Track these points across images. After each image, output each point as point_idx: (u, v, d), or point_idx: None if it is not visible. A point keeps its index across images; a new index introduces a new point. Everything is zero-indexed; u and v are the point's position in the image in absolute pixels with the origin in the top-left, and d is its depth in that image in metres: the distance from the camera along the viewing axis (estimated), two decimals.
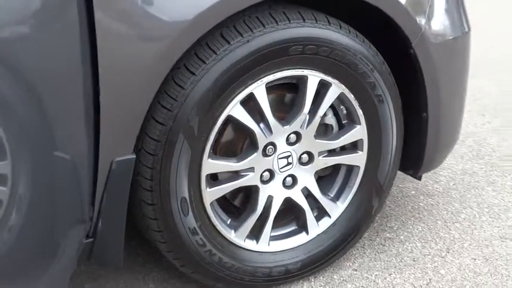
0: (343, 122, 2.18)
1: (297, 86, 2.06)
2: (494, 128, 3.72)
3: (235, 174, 2.04)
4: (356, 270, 2.34)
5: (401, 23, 2.07)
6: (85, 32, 1.60)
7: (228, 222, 2.10)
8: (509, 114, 3.92)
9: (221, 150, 2.02)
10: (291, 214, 2.23)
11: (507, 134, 3.62)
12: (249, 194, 2.12)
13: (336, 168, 2.24)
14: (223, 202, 2.12)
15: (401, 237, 2.56)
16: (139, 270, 2.31)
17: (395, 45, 2.17)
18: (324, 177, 2.25)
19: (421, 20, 2.11)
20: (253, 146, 2.02)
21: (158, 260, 2.31)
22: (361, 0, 1.97)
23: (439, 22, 2.19)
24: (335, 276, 2.30)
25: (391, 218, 2.69)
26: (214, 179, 2.04)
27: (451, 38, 2.24)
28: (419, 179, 2.51)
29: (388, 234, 2.57)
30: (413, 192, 2.93)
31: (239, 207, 2.16)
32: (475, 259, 2.42)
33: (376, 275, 2.32)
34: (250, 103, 1.95)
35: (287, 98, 2.11)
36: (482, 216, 2.73)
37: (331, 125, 2.17)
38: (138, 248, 2.40)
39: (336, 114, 2.17)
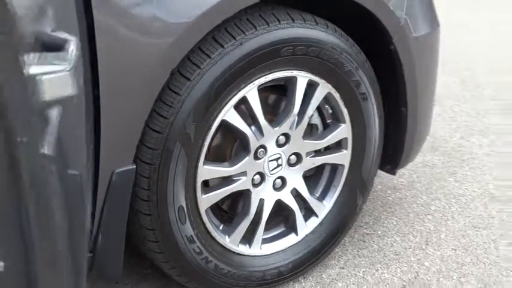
0: (328, 122, 2.17)
1: (282, 87, 2.04)
2: (443, 119, 3.79)
3: (228, 179, 2.01)
4: (343, 268, 2.35)
5: (384, 19, 2.08)
6: (84, 39, 1.54)
7: (221, 228, 2.07)
8: (452, 104, 4.01)
9: (211, 156, 1.99)
10: (279, 216, 2.21)
11: (455, 125, 3.70)
12: (238, 198, 2.09)
13: (320, 168, 2.24)
14: (213, 208, 2.09)
15: (379, 232, 2.58)
16: (126, 281, 2.24)
17: (373, 42, 2.19)
18: (309, 178, 2.24)
19: (401, 16, 2.13)
20: (244, 149, 1.99)
21: (144, 270, 2.26)
22: None
23: (415, 18, 2.21)
24: (324, 276, 2.30)
25: (364, 214, 2.70)
26: (206, 185, 2.01)
27: (425, 33, 2.27)
28: (395, 174, 2.53)
29: (365, 230, 2.59)
30: (379, 187, 2.95)
31: (229, 212, 2.14)
32: (455, 249, 2.47)
33: (363, 271, 2.33)
34: (241, 106, 1.93)
35: (271, 100, 2.09)
36: (452, 207, 2.78)
37: (316, 125, 2.17)
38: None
39: (321, 114, 2.17)
